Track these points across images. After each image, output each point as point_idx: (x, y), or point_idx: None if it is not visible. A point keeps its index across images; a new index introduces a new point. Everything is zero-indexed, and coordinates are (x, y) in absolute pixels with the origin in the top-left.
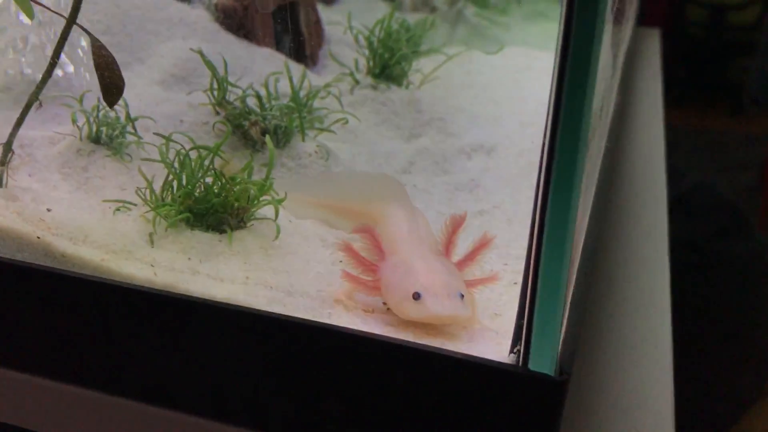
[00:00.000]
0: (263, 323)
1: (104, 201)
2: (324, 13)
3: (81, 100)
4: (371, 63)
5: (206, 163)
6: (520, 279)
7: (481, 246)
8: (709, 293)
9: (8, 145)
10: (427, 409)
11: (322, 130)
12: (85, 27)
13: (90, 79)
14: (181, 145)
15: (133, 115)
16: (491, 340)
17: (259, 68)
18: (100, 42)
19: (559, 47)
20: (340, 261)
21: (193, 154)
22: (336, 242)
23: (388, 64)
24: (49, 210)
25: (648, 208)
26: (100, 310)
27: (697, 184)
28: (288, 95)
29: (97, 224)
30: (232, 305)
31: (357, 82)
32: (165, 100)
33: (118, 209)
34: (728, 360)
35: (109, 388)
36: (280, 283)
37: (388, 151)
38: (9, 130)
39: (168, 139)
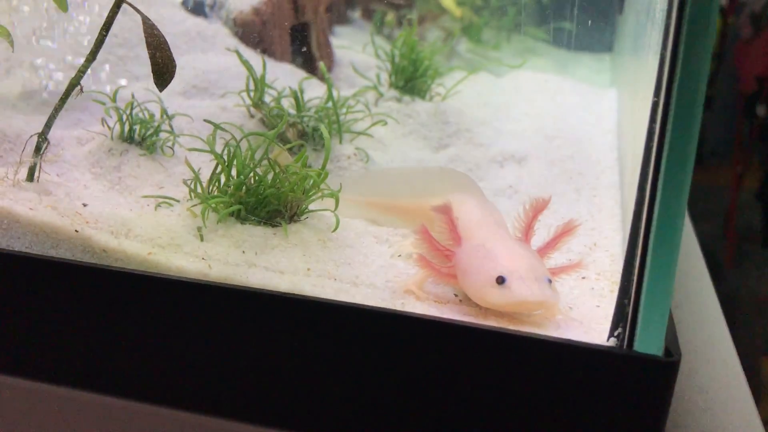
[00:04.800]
0: (343, 314)
1: (144, 196)
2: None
3: (114, 97)
4: (394, 77)
5: (257, 155)
6: (587, 274)
7: (565, 233)
8: None
9: (43, 135)
10: (527, 398)
11: (358, 133)
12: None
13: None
14: (232, 135)
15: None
16: (578, 329)
17: (282, 82)
18: (151, 21)
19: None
20: (399, 256)
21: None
22: (389, 239)
23: (411, 77)
24: (85, 205)
25: None
26: (155, 307)
27: None
28: (313, 108)
29: (138, 219)
30: (306, 297)
31: (381, 94)
32: (191, 107)
33: (159, 205)
34: None
35: (168, 398)
36: (344, 275)
37: (419, 159)
38: (32, 131)
39: (218, 127)
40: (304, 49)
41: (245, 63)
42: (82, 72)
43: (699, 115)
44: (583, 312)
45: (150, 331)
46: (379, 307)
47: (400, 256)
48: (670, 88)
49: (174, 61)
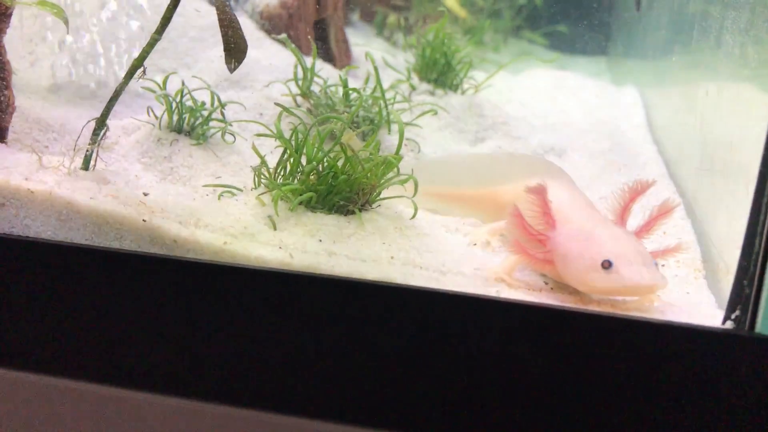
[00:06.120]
0: (445, 303)
1: (206, 186)
2: None
3: (165, 84)
4: (428, 70)
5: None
6: (667, 262)
7: (661, 214)
8: None
9: (102, 120)
10: (646, 385)
11: (406, 123)
12: (128, 32)
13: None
14: (300, 120)
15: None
16: (682, 314)
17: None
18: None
19: None
20: (475, 244)
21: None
22: (459, 228)
23: (444, 71)
24: (146, 194)
25: None
26: (239, 300)
27: None
28: (355, 99)
29: (204, 208)
30: (402, 286)
31: (413, 87)
32: (228, 100)
33: (221, 194)
34: None
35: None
36: (429, 263)
37: (461, 151)
38: (75, 121)
39: (288, 111)
40: (325, 45)
41: (294, 51)
42: (146, 53)
43: None
44: (674, 298)
45: (233, 325)
46: (482, 295)
47: (476, 244)
48: None
49: (245, 40)
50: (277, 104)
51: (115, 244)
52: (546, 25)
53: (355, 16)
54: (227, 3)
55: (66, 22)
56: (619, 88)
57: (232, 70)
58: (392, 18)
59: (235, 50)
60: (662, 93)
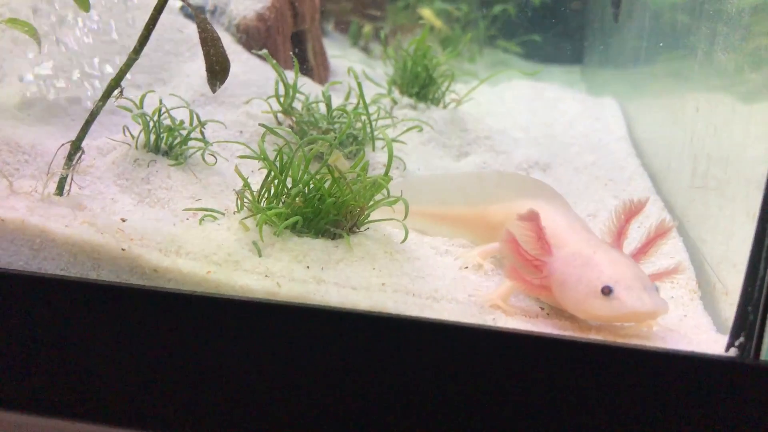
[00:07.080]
0: (443, 334)
1: (186, 209)
2: None
3: (141, 102)
4: (409, 83)
5: (310, 165)
6: (661, 283)
7: (659, 236)
8: None
9: (77, 143)
10: (649, 416)
11: (393, 140)
12: (99, 45)
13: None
14: (285, 141)
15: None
16: (682, 341)
17: None
18: (204, 16)
19: None
20: (466, 267)
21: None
22: (449, 250)
23: (425, 84)
24: (124, 220)
25: None
26: (225, 334)
27: None
28: (337, 115)
29: (185, 234)
30: (399, 317)
31: (395, 101)
32: (207, 116)
33: (203, 219)
34: None
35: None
36: (421, 289)
37: (444, 167)
38: (47, 142)
39: (272, 131)
40: (303, 57)
41: (276, 67)
42: (123, 72)
43: None
44: (671, 322)
45: (219, 359)
46: (480, 325)
47: (467, 267)
48: None
49: (228, 59)
50: (261, 125)
51: (92, 275)
52: (520, 35)
53: (329, 26)
54: (207, 20)
55: (38, 42)
56: (597, 99)
57: (215, 91)
58: (367, 28)
59: (219, 70)
60: (644, 105)
